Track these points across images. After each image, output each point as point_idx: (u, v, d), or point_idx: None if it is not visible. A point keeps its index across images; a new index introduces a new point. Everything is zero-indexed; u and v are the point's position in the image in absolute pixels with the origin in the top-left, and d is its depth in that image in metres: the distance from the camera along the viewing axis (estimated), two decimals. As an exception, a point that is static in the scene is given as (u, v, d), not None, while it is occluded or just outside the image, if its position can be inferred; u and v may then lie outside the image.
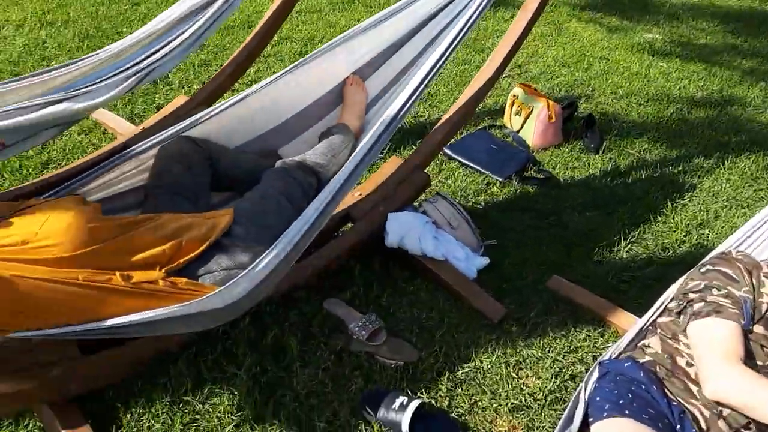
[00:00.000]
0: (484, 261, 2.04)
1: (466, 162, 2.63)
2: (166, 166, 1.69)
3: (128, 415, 1.50)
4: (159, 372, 1.59)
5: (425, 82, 1.73)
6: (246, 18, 3.97)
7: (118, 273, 1.26)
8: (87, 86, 1.90)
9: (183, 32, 2.07)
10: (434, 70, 1.77)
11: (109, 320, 1.21)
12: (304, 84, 2.00)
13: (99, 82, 1.90)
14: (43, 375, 1.35)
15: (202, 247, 1.40)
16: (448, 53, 1.81)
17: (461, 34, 1.86)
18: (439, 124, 2.21)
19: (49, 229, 1.24)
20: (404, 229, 1.96)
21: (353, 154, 1.52)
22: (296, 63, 1.95)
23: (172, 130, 1.82)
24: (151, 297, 1.27)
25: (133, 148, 1.82)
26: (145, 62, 1.98)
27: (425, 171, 2.21)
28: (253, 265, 1.23)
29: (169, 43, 2.02)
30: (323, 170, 1.81)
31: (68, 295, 1.19)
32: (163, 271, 1.33)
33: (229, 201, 1.88)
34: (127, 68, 1.94)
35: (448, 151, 2.67)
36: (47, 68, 1.79)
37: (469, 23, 1.88)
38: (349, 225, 2.06)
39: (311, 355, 1.70)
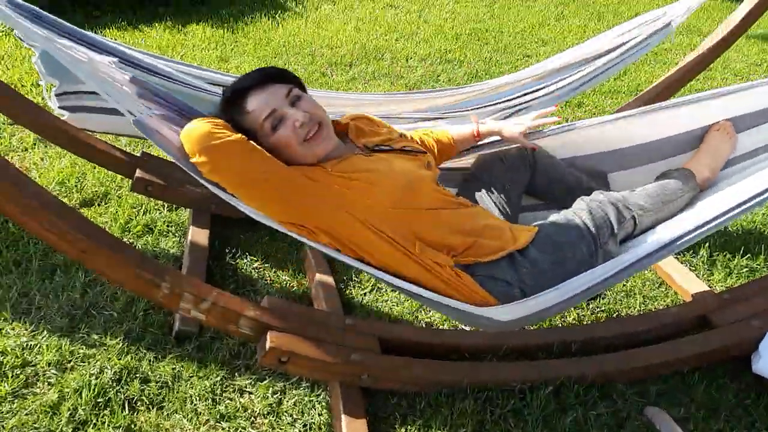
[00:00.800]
0: None
1: None
2: (491, 161, 1.72)
3: (402, 429, 1.43)
4: (436, 400, 1.49)
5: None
6: (635, 86, 3.75)
7: (417, 243, 1.32)
8: (460, 111, 2.05)
9: (560, 80, 2.07)
10: None
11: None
12: (661, 119, 1.74)
13: (471, 109, 2.05)
14: (345, 354, 1.40)
15: (497, 255, 1.36)
16: None
17: None
18: None
19: (385, 177, 1.35)
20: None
21: (685, 212, 1.37)
22: (667, 102, 1.74)
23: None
24: (432, 276, 1.32)
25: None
26: (516, 101, 2.05)
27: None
28: (534, 296, 1.29)
29: (543, 88, 2.05)
30: (644, 215, 1.53)
31: (370, 239, 1.31)
32: (452, 259, 1.34)
33: (538, 208, 1.80)
34: (497, 103, 2.04)
35: None
36: (435, 89, 1.99)
37: None
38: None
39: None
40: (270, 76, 1.39)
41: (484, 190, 1.65)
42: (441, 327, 1.80)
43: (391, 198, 1.32)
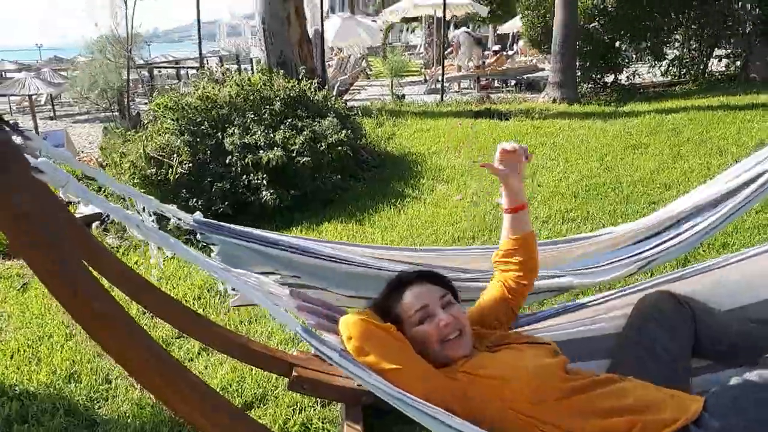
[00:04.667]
0: None
1: None
2: (642, 321, 1.61)
3: None
4: None
5: None
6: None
7: None
8: (592, 267, 1.98)
9: (694, 225, 1.96)
10: None
11: None
12: None
13: (602, 265, 1.96)
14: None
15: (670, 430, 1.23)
16: None
17: None
18: None
19: (517, 374, 1.34)
20: None
21: None
22: None
23: (656, 279, 1.78)
24: None
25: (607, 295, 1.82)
26: (650, 251, 1.95)
27: None
28: None
29: (678, 235, 1.95)
30: None
31: (519, 427, 1.29)
32: None
33: (707, 370, 1.62)
34: (631, 256, 1.95)
35: None
36: (571, 237, 1.96)
37: None
38: None
39: None
40: (431, 278, 1.57)
41: (644, 355, 1.55)
42: None
43: (527, 389, 1.32)
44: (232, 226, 1.74)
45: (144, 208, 1.44)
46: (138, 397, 2.32)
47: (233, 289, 1.77)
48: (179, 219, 1.59)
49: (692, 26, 10.65)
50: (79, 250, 1.34)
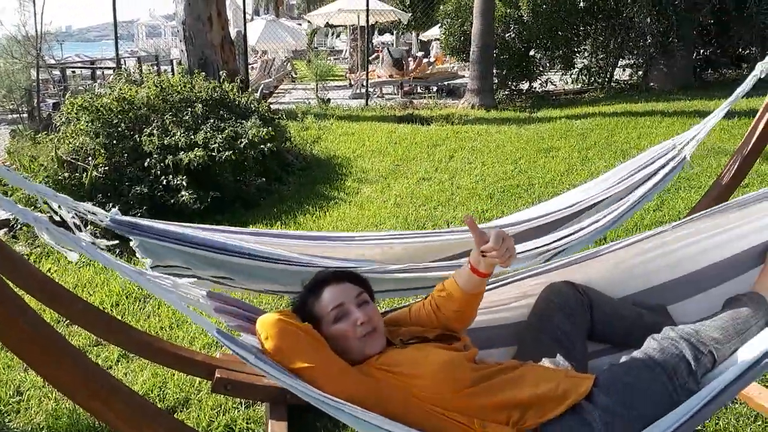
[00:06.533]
0: None
1: None
2: (547, 311, 1.71)
3: None
4: None
5: None
6: (676, 214, 3.83)
7: (476, 420, 1.36)
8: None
9: (596, 220, 2.11)
10: None
11: None
12: (719, 232, 1.74)
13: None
14: None
15: (561, 409, 1.36)
16: None
17: None
18: None
19: (424, 369, 1.42)
20: None
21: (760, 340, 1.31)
22: (720, 206, 1.75)
23: (556, 262, 1.85)
24: None
25: (508, 277, 1.89)
26: (552, 245, 2.04)
27: None
28: None
29: (581, 229, 2.08)
30: (721, 348, 1.50)
31: (429, 419, 1.36)
32: (515, 428, 1.35)
33: (604, 353, 1.76)
34: (532, 249, 2.04)
35: None
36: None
37: None
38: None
39: None
40: (348, 276, 1.62)
41: (547, 342, 1.66)
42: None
43: (433, 384, 1.40)
44: (150, 223, 1.71)
45: (60, 207, 1.41)
46: (53, 407, 2.25)
47: (150, 267, 1.71)
48: (95, 216, 1.55)
49: (599, 38, 11.36)
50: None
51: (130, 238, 1.68)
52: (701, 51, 11.50)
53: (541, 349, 1.65)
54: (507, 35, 11.13)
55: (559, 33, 10.93)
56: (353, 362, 1.47)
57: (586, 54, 11.87)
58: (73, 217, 1.39)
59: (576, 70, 11.82)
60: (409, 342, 1.57)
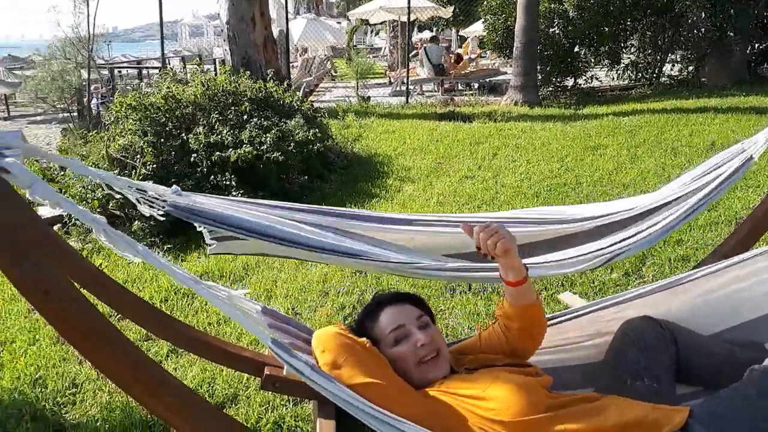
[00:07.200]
0: None
1: None
2: (622, 347, 1.59)
3: None
4: None
5: None
6: (732, 215, 3.66)
7: None
8: (557, 261, 2.00)
9: (656, 222, 2.03)
10: None
11: None
12: None
13: (569, 259, 1.96)
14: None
15: None
16: None
17: None
18: None
19: (494, 392, 1.32)
20: None
21: None
22: None
23: (633, 293, 1.73)
24: None
25: (581, 309, 1.80)
26: (613, 247, 1.97)
27: None
28: None
29: (639, 232, 2.00)
30: None
31: None
32: None
33: (695, 396, 1.61)
34: (589, 253, 1.98)
35: None
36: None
37: None
38: None
39: None
40: (408, 298, 1.57)
41: (625, 378, 1.54)
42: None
43: (505, 408, 1.29)
44: (211, 209, 1.62)
45: (129, 187, 1.41)
46: (107, 400, 2.29)
47: (211, 239, 1.67)
48: (157, 196, 1.50)
49: (648, 32, 11.02)
50: (48, 253, 1.33)
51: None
52: (756, 45, 11.04)
53: (619, 385, 1.53)
54: (551, 31, 10.91)
55: (605, 29, 10.64)
56: (414, 387, 1.41)
57: (633, 49, 11.54)
58: (138, 199, 1.39)
59: (623, 65, 11.50)
60: (475, 369, 1.49)
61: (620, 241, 2.04)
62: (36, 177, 1.21)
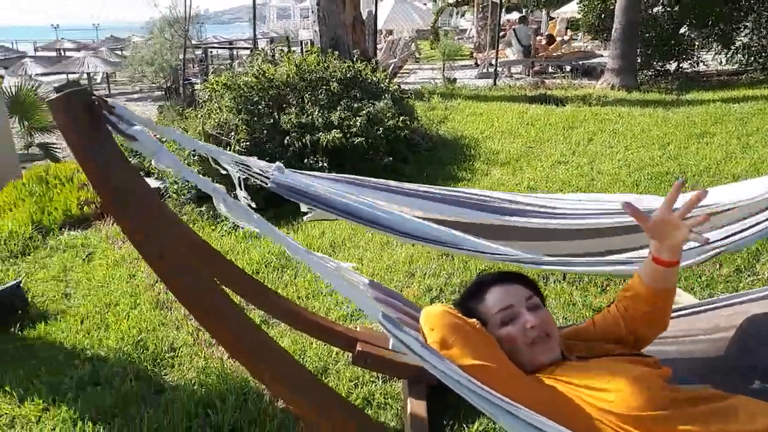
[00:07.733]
0: None
1: None
2: (740, 344, 1.50)
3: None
4: None
5: None
6: None
7: None
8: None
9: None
10: None
11: None
12: None
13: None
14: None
15: None
16: None
17: None
18: None
19: (615, 384, 1.23)
20: None
21: None
22: None
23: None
24: None
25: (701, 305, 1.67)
26: (726, 240, 1.79)
27: None
28: None
29: (757, 223, 1.80)
30: None
31: None
32: None
33: None
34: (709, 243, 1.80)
35: None
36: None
37: None
38: None
39: None
40: (518, 278, 1.47)
41: (750, 377, 1.44)
42: None
43: (622, 400, 1.21)
44: (314, 192, 1.59)
45: (234, 162, 1.41)
46: (203, 365, 2.37)
47: (308, 208, 1.62)
48: (261, 172, 1.50)
49: (766, 12, 10.11)
50: (161, 219, 1.36)
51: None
52: None
53: (738, 384, 1.43)
54: (655, 10, 10.24)
55: (717, 9, 9.86)
56: (523, 371, 1.33)
57: (746, 31, 10.63)
58: (238, 171, 1.39)
59: (733, 48, 10.64)
60: (589, 358, 1.39)
61: (735, 233, 1.85)
62: (161, 145, 1.23)
